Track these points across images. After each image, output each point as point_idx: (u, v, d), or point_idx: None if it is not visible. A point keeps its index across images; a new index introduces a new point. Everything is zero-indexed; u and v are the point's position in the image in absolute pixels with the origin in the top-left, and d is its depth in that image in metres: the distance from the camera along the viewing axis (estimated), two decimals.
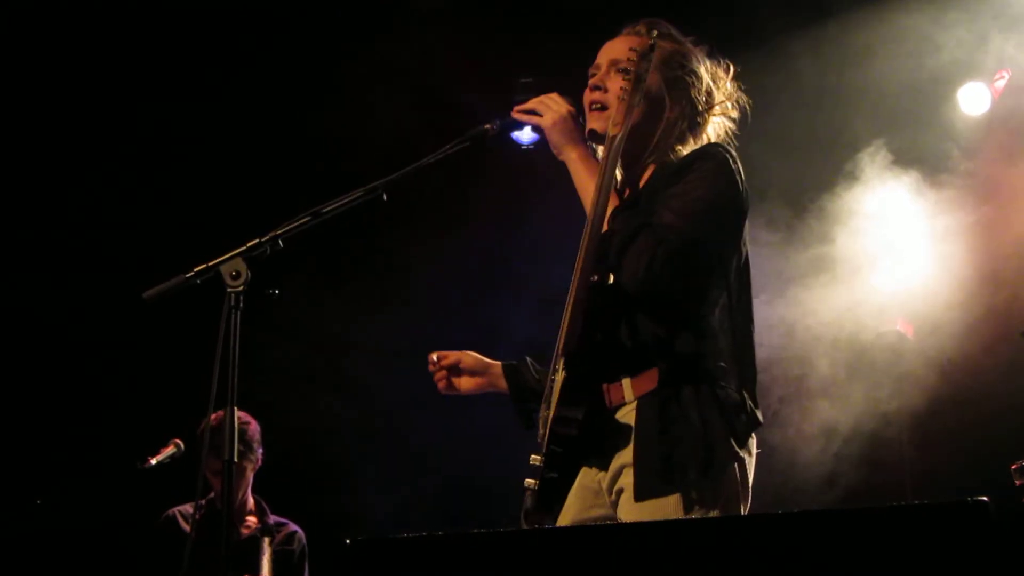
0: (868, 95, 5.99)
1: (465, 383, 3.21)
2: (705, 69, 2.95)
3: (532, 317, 5.83)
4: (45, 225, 6.33)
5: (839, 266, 5.95)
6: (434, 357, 3.21)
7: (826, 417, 5.91)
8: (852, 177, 6.02)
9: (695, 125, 2.94)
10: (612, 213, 2.77)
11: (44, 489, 5.99)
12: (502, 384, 3.19)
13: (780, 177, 5.92)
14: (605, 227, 2.74)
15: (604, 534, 2.12)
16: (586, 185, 2.82)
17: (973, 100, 6.07)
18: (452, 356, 3.21)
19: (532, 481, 2.67)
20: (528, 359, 3.18)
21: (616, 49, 2.95)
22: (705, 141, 2.96)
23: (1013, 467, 4.54)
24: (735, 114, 3.01)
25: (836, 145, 6.04)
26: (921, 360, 5.92)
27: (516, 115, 2.97)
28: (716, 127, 2.99)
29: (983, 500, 1.82)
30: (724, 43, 3.07)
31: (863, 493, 5.83)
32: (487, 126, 3.00)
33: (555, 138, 2.89)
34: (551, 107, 2.91)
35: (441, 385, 3.21)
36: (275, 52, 6.25)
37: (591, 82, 2.96)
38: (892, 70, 5.90)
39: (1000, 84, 6.00)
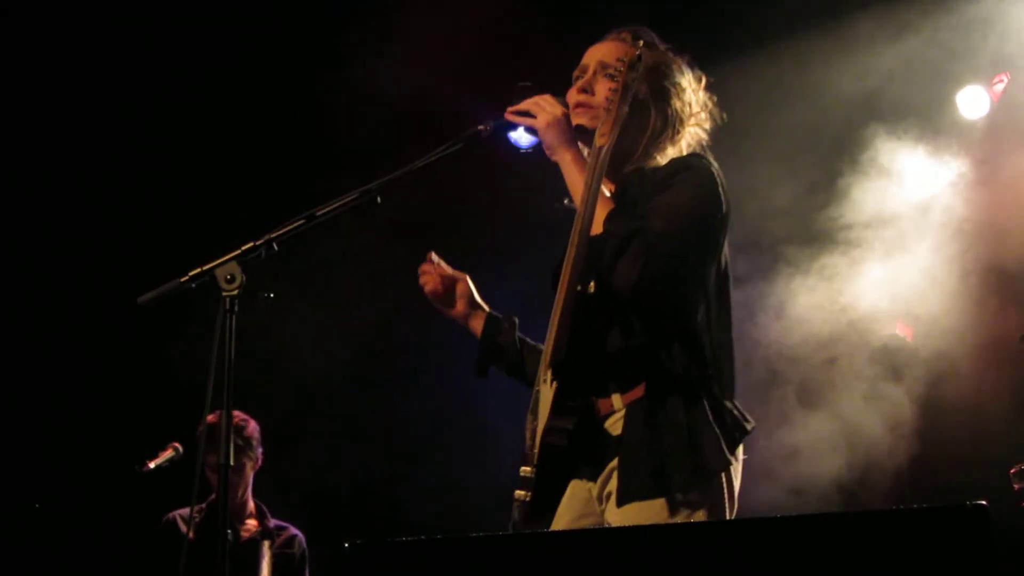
0: (866, 98, 5.98)
1: (448, 301, 3.21)
2: (687, 79, 3.00)
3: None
4: (43, 227, 6.32)
5: (838, 269, 5.95)
6: (433, 257, 3.21)
7: (824, 420, 5.90)
8: (850, 180, 6.02)
9: (676, 134, 2.98)
10: (608, 215, 2.78)
11: (43, 493, 5.97)
12: (477, 327, 3.19)
13: (779, 180, 5.92)
14: (598, 230, 2.77)
15: (599, 538, 2.11)
16: (579, 186, 2.84)
17: (972, 103, 6.07)
18: (451, 270, 3.22)
19: (523, 492, 2.68)
20: (515, 320, 3.19)
21: (602, 52, 3.00)
22: (682, 149, 3.01)
23: (1012, 471, 4.54)
24: (708, 125, 3.06)
25: (835, 147, 6.04)
26: (920, 363, 5.91)
27: (510, 116, 2.99)
28: (690, 136, 3.04)
29: (982, 504, 1.82)
30: (721, 49, 3.08)
31: (862, 497, 5.83)
32: (480, 127, 3.01)
33: (549, 139, 2.91)
34: (545, 108, 2.93)
35: (429, 287, 3.19)
36: (272, 50, 6.25)
37: (578, 84, 3.00)
38: (889, 73, 5.89)
39: (999, 87, 6.00)
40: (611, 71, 2.86)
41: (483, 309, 3.21)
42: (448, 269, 3.21)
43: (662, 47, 3.03)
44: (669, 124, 2.95)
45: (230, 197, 6.29)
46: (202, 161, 6.39)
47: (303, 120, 6.33)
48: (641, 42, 2.86)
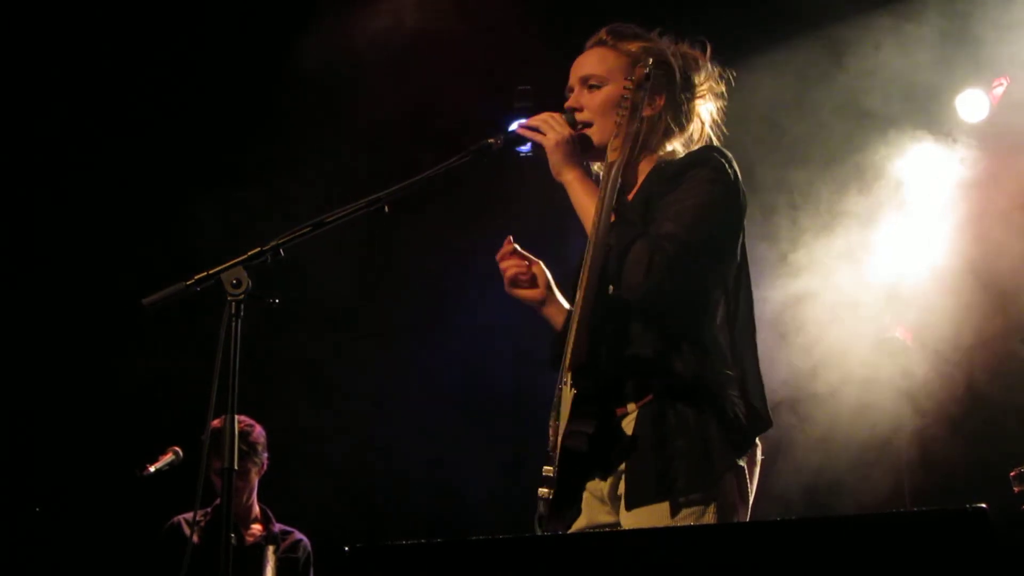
0: (866, 102, 5.99)
1: (527, 285, 3.13)
2: (675, 57, 2.96)
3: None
4: (44, 228, 6.32)
5: (838, 272, 5.95)
6: (511, 239, 3.14)
7: (824, 423, 5.91)
8: (850, 184, 6.02)
9: (679, 115, 2.97)
10: (612, 224, 2.79)
11: (43, 497, 5.97)
12: (556, 318, 3.12)
13: (779, 183, 5.93)
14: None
15: (597, 541, 2.12)
16: (584, 205, 2.85)
17: (971, 107, 6.07)
18: (527, 256, 3.15)
19: (546, 491, 2.69)
20: None
21: (585, 65, 3.01)
22: (696, 128, 3.00)
23: (1012, 474, 4.54)
24: (721, 88, 3.02)
25: (835, 149, 6.04)
26: (920, 366, 5.91)
27: (520, 131, 2.99)
28: (704, 115, 3.02)
29: (982, 507, 1.82)
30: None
31: (862, 500, 5.83)
32: (491, 140, 3.00)
33: (556, 159, 2.91)
34: (554, 127, 2.93)
35: (512, 272, 3.12)
36: (268, 50, 6.27)
37: (566, 105, 3.00)
38: (889, 76, 5.90)
39: (998, 91, 6.00)
40: (593, 81, 2.92)
41: (558, 297, 3.15)
42: (525, 253, 3.15)
43: (649, 34, 3.01)
44: (666, 107, 2.94)
45: (233, 198, 6.30)
46: (205, 162, 6.40)
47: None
48: (652, 60, 2.85)
